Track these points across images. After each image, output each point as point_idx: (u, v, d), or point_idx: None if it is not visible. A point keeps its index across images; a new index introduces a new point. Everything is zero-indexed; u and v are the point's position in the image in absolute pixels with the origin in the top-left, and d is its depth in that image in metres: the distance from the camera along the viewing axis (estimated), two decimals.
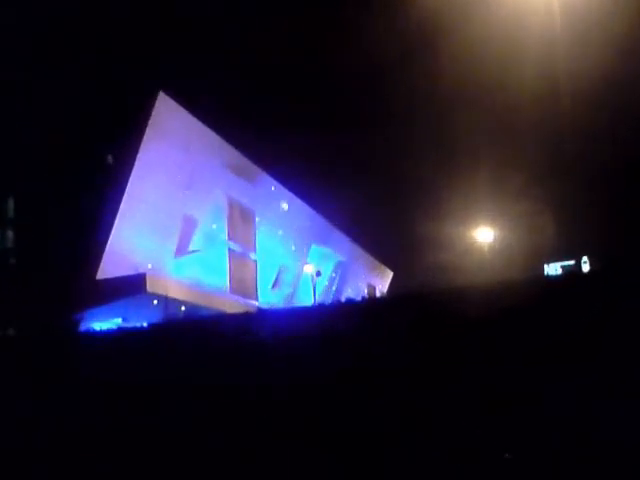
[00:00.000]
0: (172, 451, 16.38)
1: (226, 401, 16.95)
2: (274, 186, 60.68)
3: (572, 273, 28.03)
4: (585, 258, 34.07)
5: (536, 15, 31.67)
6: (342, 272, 77.96)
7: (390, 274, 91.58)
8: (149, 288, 41.33)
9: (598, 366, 15.12)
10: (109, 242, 43.00)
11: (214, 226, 54.48)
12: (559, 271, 36.23)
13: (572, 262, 37.02)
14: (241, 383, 17.12)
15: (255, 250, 60.47)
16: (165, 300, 39.79)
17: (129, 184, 44.11)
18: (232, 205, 56.76)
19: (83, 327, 29.56)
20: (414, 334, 17.03)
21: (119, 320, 41.17)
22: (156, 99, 44.86)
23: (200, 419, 16.80)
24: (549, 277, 26.28)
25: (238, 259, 57.62)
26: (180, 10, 60.08)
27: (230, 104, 61.46)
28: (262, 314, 24.42)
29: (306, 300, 55.76)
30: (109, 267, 42.69)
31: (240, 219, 58.02)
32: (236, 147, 53.43)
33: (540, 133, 68.79)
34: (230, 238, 56.58)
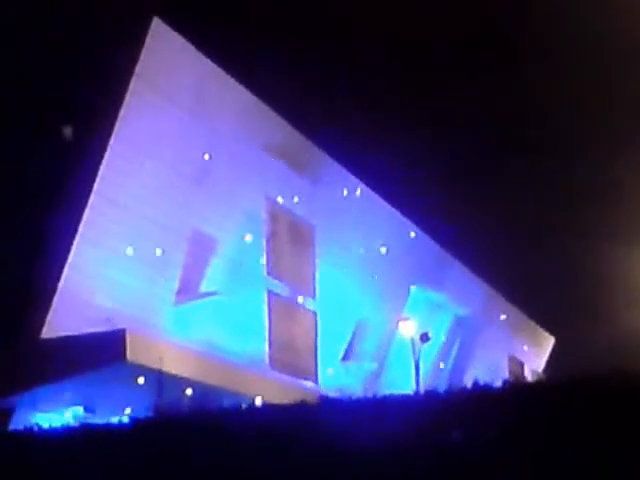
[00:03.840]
0: None
1: None
2: (349, 184, 50.99)
3: None
4: None
5: None
6: (464, 336, 67.06)
7: (549, 342, 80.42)
8: (131, 355, 34.45)
9: None
10: (64, 276, 35.41)
11: (244, 251, 45.57)
12: None
13: None
14: None
15: (315, 294, 51.35)
16: (158, 377, 34.39)
17: (100, 175, 36.06)
18: (275, 215, 47.73)
19: (17, 422, 29.52)
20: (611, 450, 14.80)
21: (79, 410, 36.31)
22: (149, 27, 36.59)
23: None
24: None
25: (285, 309, 48.75)
26: None
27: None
28: (327, 408, 20.84)
29: (402, 384, 46.03)
30: (63, 318, 35.38)
31: (289, 240, 49.35)
32: (285, 116, 44.54)
33: None
34: (271, 272, 48.24)
